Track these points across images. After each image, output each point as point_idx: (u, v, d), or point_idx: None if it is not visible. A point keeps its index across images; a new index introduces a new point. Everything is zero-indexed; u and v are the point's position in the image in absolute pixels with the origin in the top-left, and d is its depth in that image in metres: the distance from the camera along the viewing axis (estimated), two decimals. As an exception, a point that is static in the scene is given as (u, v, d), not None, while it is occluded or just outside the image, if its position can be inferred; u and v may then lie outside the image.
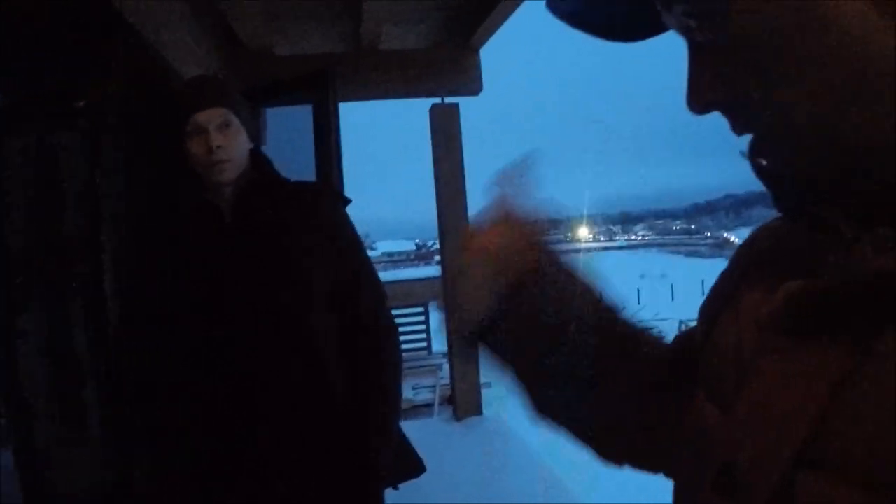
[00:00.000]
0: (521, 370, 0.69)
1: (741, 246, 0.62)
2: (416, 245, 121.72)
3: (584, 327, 0.65)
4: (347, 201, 1.70)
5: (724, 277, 0.62)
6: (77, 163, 2.30)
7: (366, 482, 1.56)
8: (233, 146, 1.51)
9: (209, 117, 1.48)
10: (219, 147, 1.47)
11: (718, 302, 0.59)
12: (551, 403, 0.71)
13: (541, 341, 0.65)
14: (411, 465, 1.73)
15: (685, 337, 0.70)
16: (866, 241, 0.39)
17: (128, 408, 1.76)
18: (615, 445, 0.72)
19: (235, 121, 1.52)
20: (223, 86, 1.55)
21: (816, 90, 0.39)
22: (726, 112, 0.46)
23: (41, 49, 2.27)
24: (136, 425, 1.67)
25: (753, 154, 0.46)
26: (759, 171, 0.47)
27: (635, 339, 0.69)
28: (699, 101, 0.46)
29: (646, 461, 0.71)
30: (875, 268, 0.38)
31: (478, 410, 4.46)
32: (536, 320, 0.65)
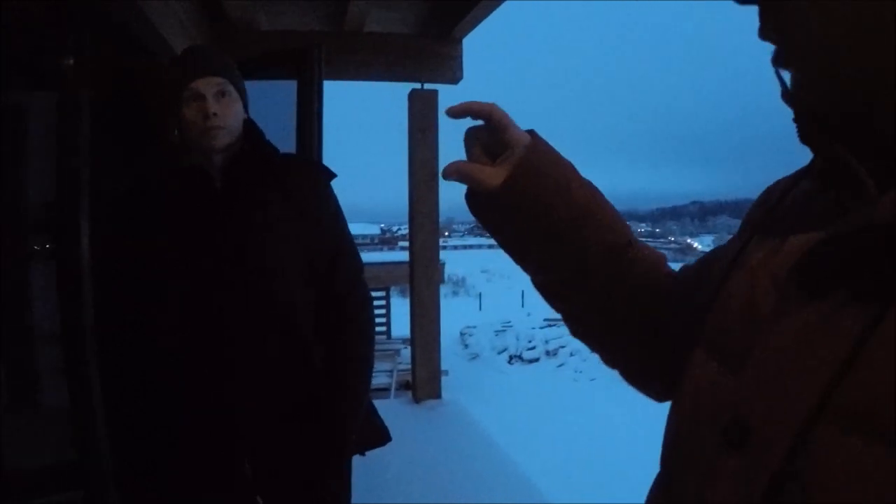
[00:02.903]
0: (521, 247, 0.74)
1: (753, 205, 0.62)
2: (381, 229, 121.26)
3: (582, 187, 0.71)
4: (333, 176, 1.75)
5: (734, 238, 0.62)
6: (55, 122, 2.28)
7: (337, 446, 1.62)
8: (228, 114, 1.55)
9: (207, 85, 1.52)
10: (215, 114, 1.51)
11: (725, 260, 0.58)
12: (551, 286, 0.76)
13: (544, 209, 0.69)
14: (379, 434, 1.79)
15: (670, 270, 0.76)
16: (889, 195, 0.37)
17: (100, 376, 1.77)
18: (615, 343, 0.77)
19: (232, 91, 1.57)
20: (222, 56, 1.59)
21: (845, 10, 0.39)
22: (763, 8, 0.46)
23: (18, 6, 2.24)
24: (108, 391, 1.69)
25: (775, 62, 0.45)
26: (783, 92, 0.46)
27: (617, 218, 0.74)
28: None
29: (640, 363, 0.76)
30: None
31: (437, 394, 4.56)
32: (540, 187, 0.68)
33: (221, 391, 1.55)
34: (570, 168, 0.72)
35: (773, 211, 0.55)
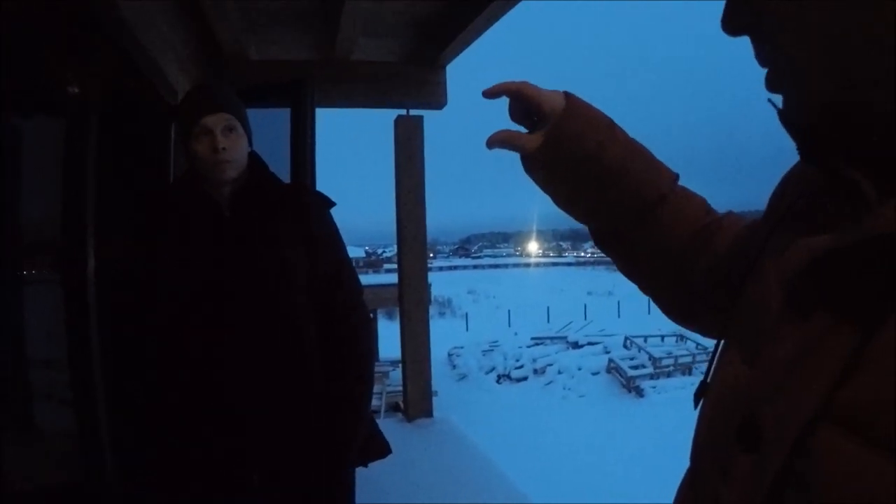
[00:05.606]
0: (566, 202, 0.82)
1: (774, 192, 0.63)
2: (366, 252, 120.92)
3: (617, 142, 0.77)
4: (332, 204, 1.85)
5: (760, 224, 0.65)
6: (62, 148, 2.35)
7: (342, 458, 1.70)
8: (235, 148, 1.64)
9: (216, 121, 1.62)
10: (224, 149, 1.61)
11: (751, 251, 0.60)
12: (598, 235, 0.86)
13: (577, 170, 0.77)
14: (380, 447, 1.87)
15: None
16: (889, 205, 0.38)
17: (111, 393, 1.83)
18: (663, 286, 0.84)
19: (239, 126, 1.66)
20: (230, 93, 1.69)
21: (822, 34, 0.41)
22: (752, 38, 0.48)
23: (21, 36, 2.32)
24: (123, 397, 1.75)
25: (768, 86, 0.48)
26: (780, 116, 0.48)
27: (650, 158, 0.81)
28: (732, 21, 0.49)
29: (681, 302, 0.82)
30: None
31: (428, 413, 4.61)
32: (576, 145, 0.76)
33: (234, 401, 1.63)
34: (605, 129, 0.78)
35: (791, 207, 0.56)
